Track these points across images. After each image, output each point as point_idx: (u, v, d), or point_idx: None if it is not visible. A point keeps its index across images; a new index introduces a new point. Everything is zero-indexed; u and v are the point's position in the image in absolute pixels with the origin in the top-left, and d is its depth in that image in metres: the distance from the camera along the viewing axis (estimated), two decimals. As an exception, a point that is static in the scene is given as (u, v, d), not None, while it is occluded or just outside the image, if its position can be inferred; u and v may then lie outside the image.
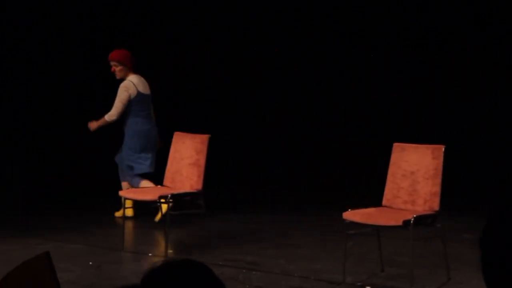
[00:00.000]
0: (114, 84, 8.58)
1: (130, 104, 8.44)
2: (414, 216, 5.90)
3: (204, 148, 7.45)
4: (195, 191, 7.39)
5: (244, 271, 6.60)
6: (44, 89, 10.68)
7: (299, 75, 11.57)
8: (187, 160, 7.53)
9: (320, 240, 7.73)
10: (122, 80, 8.52)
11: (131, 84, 8.46)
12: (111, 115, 8.44)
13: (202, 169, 7.41)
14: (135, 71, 8.52)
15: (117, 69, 8.45)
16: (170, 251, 7.20)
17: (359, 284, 6.19)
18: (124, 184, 8.59)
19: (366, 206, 6.29)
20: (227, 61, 11.75)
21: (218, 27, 11.64)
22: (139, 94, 8.46)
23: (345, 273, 6.20)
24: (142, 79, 8.58)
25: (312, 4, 11.41)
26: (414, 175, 6.25)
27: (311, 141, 11.33)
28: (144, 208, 8.25)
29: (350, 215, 6.17)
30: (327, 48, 11.36)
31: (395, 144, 6.47)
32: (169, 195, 7.19)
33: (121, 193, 7.59)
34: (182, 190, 7.42)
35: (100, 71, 10.42)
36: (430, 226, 6.13)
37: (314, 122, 11.42)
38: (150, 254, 7.24)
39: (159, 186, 7.72)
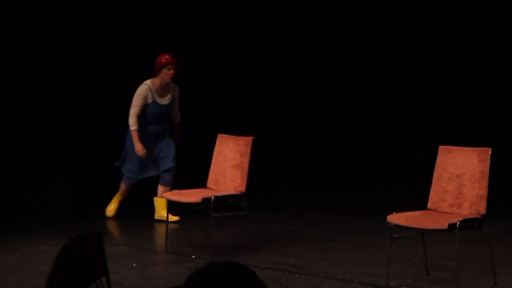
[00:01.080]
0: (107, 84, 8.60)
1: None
2: (460, 219, 5.82)
3: (247, 150, 7.45)
4: (238, 193, 7.39)
5: (287, 273, 6.58)
6: (38, 91, 10.71)
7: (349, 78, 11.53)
8: (230, 162, 7.54)
9: (364, 243, 7.67)
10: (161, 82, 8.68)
11: None
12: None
13: (245, 171, 7.41)
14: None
15: (175, 72, 8.55)
16: (213, 253, 7.20)
17: (403, 287, 6.13)
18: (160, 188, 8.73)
19: (411, 209, 6.23)
20: (268, 62, 11.75)
21: (221, 27, 11.63)
22: None
23: (389, 277, 6.14)
24: None
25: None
26: (460, 178, 6.18)
27: (357, 145, 11.28)
28: (188, 211, 8.26)
29: (395, 218, 6.11)
30: (338, 48, 11.30)
31: (441, 147, 6.40)
32: (213, 197, 7.20)
33: (165, 195, 7.60)
34: (225, 192, 7.43)
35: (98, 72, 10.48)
36: (476, 229, 6.04)
37: (355, 125, 11.37)
38: (193, 256, 7.26)
39: (203, 188, 7.74)
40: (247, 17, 11.60)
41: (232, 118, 11.20)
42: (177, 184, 7.78)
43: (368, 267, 6.76)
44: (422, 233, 6.27)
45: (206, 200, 7.22)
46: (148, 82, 8.56)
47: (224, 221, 7.82)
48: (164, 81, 8.53)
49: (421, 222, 5.98)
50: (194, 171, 8.32)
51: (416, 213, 6.17)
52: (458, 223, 5.78)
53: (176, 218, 8.51)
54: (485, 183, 6.05)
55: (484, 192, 6.04)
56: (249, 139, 7.52)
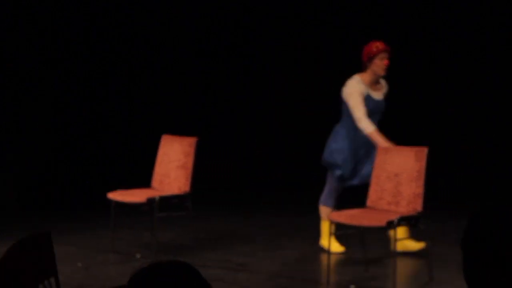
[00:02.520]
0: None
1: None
2: (398, 217, 6.00)
3: (192, 151, 7.52)
4: (183, 193, 7.46)
5: (231, 272, 6.66)
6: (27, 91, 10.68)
7: (281, 76, 11.65)
8: (175, 163, 7.60)
9: (307, 241, 7.79)
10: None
11: None
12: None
13: (189, 171, 7.48)
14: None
15: (388, 62, 6.99)
16: (158, 253, 7.26)
17: (343, 284, 6.28)
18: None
19: (350, 207, 6.38)
20: (213, 62, 11.81)
21: (202, 24, 11.68)
22: None
23: (329, 274, 6.28)
24: None
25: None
26: (398, 177, 6.36)
27: (299, 143, 11.39)
28: (133, 211, 8.29)
29: (335, 216, 6.26)
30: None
31: (379, 147, 6.57)
32: (157, 197, 7.26)
33: (109, 195, 7.62)
34: (170, 193, 7.49)
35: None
36: (413, 227, 6.23)
37: (298, 124, 11.48)
38: (138, 256, 7.30)
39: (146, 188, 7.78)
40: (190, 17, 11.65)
41: (177, 119, 11.22)
42: (122, 184, 7.80)
43: (311, 265, 6.89)
44: (362, 231, 6.42)
45: (150, 200, 7.28)
46: (356, 76, 7.04)
47: (169, 221, 7.86)
48: (377, 73, 6.97)
49: (360, 220, 6.14)
50: (138, 171, 8.35)
51: (356, 211, 6.33)
52: (396, 220, 5.96)
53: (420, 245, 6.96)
54: (421, 182, 6.24)
55: (421, 190, 6.23)
56: (193, 140, 7.59)
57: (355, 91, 6.92)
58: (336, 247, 7.00)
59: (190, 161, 7.49)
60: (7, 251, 2.76)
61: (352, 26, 11.06)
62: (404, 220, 6.08)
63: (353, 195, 7.03)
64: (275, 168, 11.33)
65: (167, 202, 7.43)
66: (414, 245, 6.88)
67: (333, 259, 6.37)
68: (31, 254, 2.89)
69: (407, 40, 10.76)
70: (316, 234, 7.72)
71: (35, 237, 2.89)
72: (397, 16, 10.73)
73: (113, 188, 7.60)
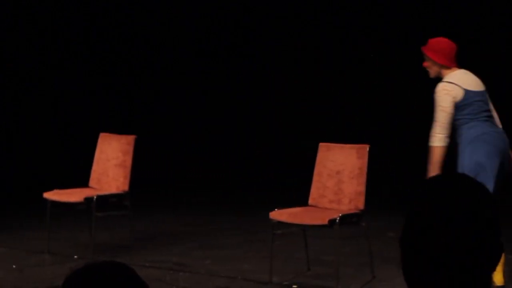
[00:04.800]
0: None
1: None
2: (340, 215, 5.97)
3: (130, 149, 7.40)
4: (121, 192, 7.34)
5: (170, 272, 6.58)
6: None
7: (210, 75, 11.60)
8: (113, 161, 7.47)
9: (247, 240, 7.75)
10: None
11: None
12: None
13: (128, 170, 7.36)
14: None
15: (425, 65, 6.16)
16: (95, 253, 7.13)
17: (285, 283, 6.23)
18: None
19: (292, 205, 6.34)
20: (152, 60, 11.70)
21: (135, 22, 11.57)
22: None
23: (271, 273, 6.23)
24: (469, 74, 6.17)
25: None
26: (340, 175, 6.33)
27: (235, 142, 11.36)
28: (70, 210, 8.14)
29: (277, 214, 6.20)
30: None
31: (321, 144, 6.54)
32: (95, 197, 7.12)
33: (45, 195, 7.45)
34: (108, 192, 7.36)
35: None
36: (355, 224, 6.21)
37: (237, 122, 11.45)
38: (75, 257, 7.16)
39: (84, 187, 7.64)
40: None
41: (115, 116, 11.10)
42: (58, 184, 7.64)
43: (251, 264, 6.83)
44: (304, 229, 6.38)
45: (88, 200, 7.14)
46: None
47: (107, 221, 7.73)
48: None
49: (302, 218, 6.09)
50: (75, 170, 8.20)
51: (298, 209, 6.29)
52: (338, 218, 5.92)
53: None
54: (363, 179, 6.22)
55: (362, 188, 6.21)
56: (131, 138, 7.47)
57: None
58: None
59: (128, 160, 7.37)
60: None
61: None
62: (346, 218, 6.05)
63: (295, 193, 6.99)
64: (214, 167, 11.27)
65: (105, 201, 7.30)
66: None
67: (275, 258, 6.32)
68: None
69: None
70: (254, 232, 7.67)
71: None
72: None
73: (49, 188, 7.44)
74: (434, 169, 5.81)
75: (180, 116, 11.69)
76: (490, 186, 5.61)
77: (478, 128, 5.95)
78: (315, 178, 6.44)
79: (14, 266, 6.80)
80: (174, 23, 11.45)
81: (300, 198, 6.56)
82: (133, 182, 7.36)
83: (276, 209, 6.27)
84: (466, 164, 5.82)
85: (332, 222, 5.91)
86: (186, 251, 7.34)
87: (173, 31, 11.49)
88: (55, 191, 7.43)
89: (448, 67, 6.03)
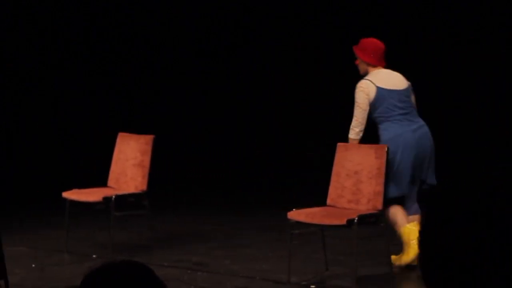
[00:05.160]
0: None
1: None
2: (358, 215, 5.96)
3: (148, 149, 7.42)
4: (139, 192, 7.36)
5: (189, 271, 6.59)
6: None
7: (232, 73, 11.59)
8: (131, 161, 7.49)
9: (265, 240, 7.75)
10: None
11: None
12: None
13: (146, 170, 7.38)
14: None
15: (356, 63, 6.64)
16: (114, 252, 7.15)
17: (304, 283, 6.23)
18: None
19: (311, 205, 6.33)
20: (172, 61, 11.72)
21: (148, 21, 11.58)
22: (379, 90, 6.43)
23: (290, 273, 6.23)
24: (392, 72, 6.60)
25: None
26: (358, 175, 6.31)
27: (257, 141, 11.35)
28: (89, 210, 8.17)
29: (295, 214, 6.20)
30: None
31: (339, 144, 6.52)
32: (113, 196, 7.15)
33: (64, 194, 7.48)
34: (126, 191, 7.38)
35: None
36: (373, 225, 6.19)
37: (258, 121, 11.45)
38: (94, 256, 7.19)
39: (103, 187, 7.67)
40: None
41: (134, 116, 11.13)
42: (77, 183, 7.67)
43: (270, 264, 6.83)
44: (322, 229, 6.37)
45: (106, 199, 7.16)
46: None
47: (126, 220, 7.76)
48: None
49: (320, 218, 6.09)
50: (94, 170, 8.23)
51: (316, 209, 6.28)
52: (356, 218, 5.91)
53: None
54: (381, 179, 6.20)
55: (381, 188, 6.20)
56: (150, 138, 7.49)
57: None
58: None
59: (147, 159, 7.39)
60: None
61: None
62: (364, 218, 6.03)
63: (313, 193, 6.98)
64: (232, 167, 11.28)
65: (124, 201, 7.33)
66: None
67: (293, 258, 6.31)
68: None
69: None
70: (273, 232, 7.67)
71: None
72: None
73: (68, 187, 7.47)
74: None
75: (200, 115, 11.70)
76: (405, 186, 6.28)
77: (391, 129, 6.37)
78: (333, 178, 6.43)
79: (33, 265, 6.84)
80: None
81: (318, 198, 6.55)
82: (151, 182, 7.37)
83: (294, 209, 6.27)
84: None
85: (350, 222, 5.90)
86: (205, 251, 7.35)
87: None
88: (74, 190, 7.46)
89: (374, 66, 6.45)
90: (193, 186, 10.86)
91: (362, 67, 6.53)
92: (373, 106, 6.40)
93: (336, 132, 8.90)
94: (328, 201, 6.41)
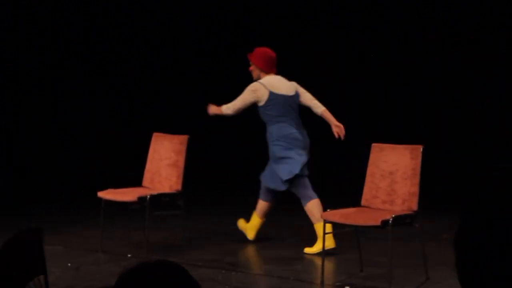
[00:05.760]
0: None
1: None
2: (393, 216, 5.92)
3: (183, 149, 7.45)
4: (174, 191, 7.39)
5: (223, 271, 6.60)
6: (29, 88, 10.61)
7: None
8: (166, 161, 7.52)
9: (299, 241, 7.73)
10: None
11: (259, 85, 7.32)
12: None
13: (181, 169, 7.40)
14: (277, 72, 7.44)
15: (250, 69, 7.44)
16: (149, 252, 7.18)
17: (338, 284, 6.21)
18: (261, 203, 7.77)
19: (345, 206, 6.30)
20: (207, 61, 11.75)
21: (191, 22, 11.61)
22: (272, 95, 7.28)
23: (324, 274, 6.21)
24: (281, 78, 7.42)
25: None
26: (393, 175, 6.28)
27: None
28: (124, 210, 8.22)
29: (329, 215, 6.18)
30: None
31: (374, 145, 6.49)
32: (148, 196, 7.18)
33: (99, 194, 7.53)
34: (161, 191, 7.41)
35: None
36: (408, 226, 6.15)
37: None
38: (129, 255, 7.22)
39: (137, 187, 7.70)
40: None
41: (168, 116, 11.17)
42: (112, 183, 7.72)
43: (304, 264, 6.82)
44: (356, 230, 6.35)
45: (141, 199, 7.19)
46: None
47: (160, 220, 7.80)
48: None
49: (355, 219, 6.06)
50: (129, 170, 8.28)
51: (350, 210, 6.25)
52: (391, 219, 5.88)
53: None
54: (417, 180, 6.16)
55: (416, 188, 6.15)
56: (184, 138, 7.52)
57: None
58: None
59: (181, 159, 7.41)
60: None
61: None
62: (399, 219, 6.00)
63: (347, 194, 6.96)
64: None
65: (158, 201, 7.36)
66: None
67: (327, 258, 6.30)
68: (20, 251, 2.76)
69: (406, 39, 10.71)
70: (308, 233, 7.65)
71: (25, 234, 2.76)
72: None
73: (104, 187, 7.52)
74: (215, 110, 7.42)
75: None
76: (296, 170, 7.20)
77: (286, 128, 7.24)
78: (368, 178, 6.40)
79: (69, 265, 6.88)
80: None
81: (353, 199, 6.53)
82: (186, 182, 7.40)
83: (328, 210, 6.25)
84: (276, 156, 7.31)
85: (385, 223, 5.86)
86: (239, 251, 7.36)
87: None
88: (109, 190, 7.51)
89: (266, 72, 7.29)
90: (227, 186, 10.88)
91: (256, 73, 7.33)
92: (264, 108, 7.28)
93: (372, 132, 8.88)
94: (363, 202, 6.38)
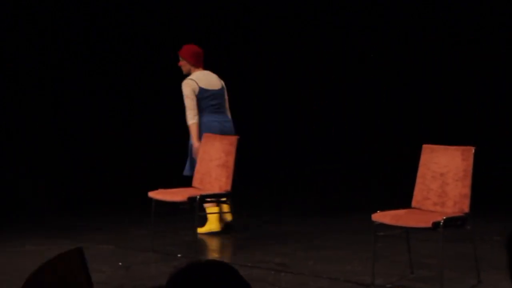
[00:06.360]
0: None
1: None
2: (444, 218, 5.86)
3: (233, 150, 7.47)
4: (223, 192, 7.41)
5: (272, 272, 6.60)
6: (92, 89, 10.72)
7: (326, 75, 11.55)
8: (215, 162, 7.55)
9: (349, 242, 7.70)
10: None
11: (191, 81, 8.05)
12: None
13: (230, 170, 7.42)
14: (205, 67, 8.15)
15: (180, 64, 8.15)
16: (198, 252, 7.22)
17: (388, 286, 6.17)
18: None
19: (395, 207, 6.26)
20: (259, 62, 11.77)
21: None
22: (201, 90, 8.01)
23: (374, 275, 6.17)
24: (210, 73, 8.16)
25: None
26: (444, 177, 6.21)
27: (339, 143, 11.31)
28: (174, 210, 8.28)
29: (380, 216, 6.14)
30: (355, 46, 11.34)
31: (425, 146, 6.43)
32: (198, 196, 7.22)
33: (150, 194, 7.60)
34: (210, 191, 7.44)
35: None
36: (460, 228, 6.09)
37: (342, 124, 11.40)
38: (179, 255, 7.27)
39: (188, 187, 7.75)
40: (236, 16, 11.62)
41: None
42: (163, 183, 7.78)
43: (354, 266, 6.79)
44: (407, 232, 6.30)
45: (191, 199, 7.23)
46: None
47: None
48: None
49: (405, 221, 6.01)
50: (179, 170, 8.33)
51: (401, 211, 6.20)
52: (442, 221, 5.82)
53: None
54: (468, 182, 6.09)
55: (467, 190, 6.08)
56: (234, 138, 7.54)
57: None
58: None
59: (231, 160, 7.44)
60: (35, 271, 2.57)
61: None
62: (450, 221, 5.93)
63: (398, 195, 6.91)
64: (314, 168, 11.26)
65: (208, 201, 7.38)
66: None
67: (377, 260, 6.25)
68: (60, 276, 2.65)
69: (461, 39, 10.61)
70: (357, 234, 7.62)
71: (65, 257, 2.65)
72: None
73: (154, 187, 7.58)
74: (195, 141, 7.88)
75: (283, 116, 11.70)
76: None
77: (207, 117, 7.98)
78: (419, 180, 6.34)
79: (120, 264, 6.95)
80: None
81: (403, 200, 6.48)
82: (236, 183, 7.42)
83: (378, 211, 6.21)
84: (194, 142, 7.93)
85: (436, 225, 5.81)
86: (289, 252, 7.35)
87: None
88: (160, 190, 7.57)
89: (196, 67, 8.07)
90: (276, 187, 10.88)
91: (186, 68, 8.08)
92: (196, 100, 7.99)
93: (422, 133, 8.82)
94: (413, 203, 6.32)
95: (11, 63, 10.36)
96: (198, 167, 7.73)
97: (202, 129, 7.96)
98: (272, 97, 11.80)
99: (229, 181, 7.40)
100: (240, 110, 11.14)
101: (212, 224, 8.05)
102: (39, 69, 10.69)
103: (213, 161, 7.58)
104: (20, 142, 10.21)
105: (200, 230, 7.88)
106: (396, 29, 11.11)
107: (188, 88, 7.97)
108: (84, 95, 11.01)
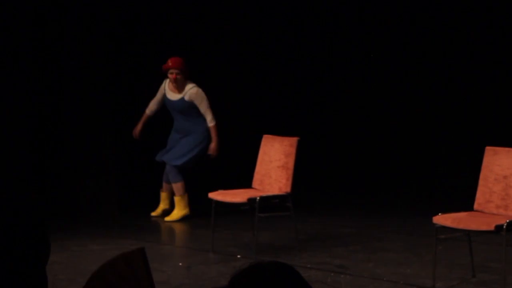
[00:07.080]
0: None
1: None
2: (507, 221, 5.77)
3: (293, 151, 7.47)
4: (283, 193, 7.42)
5: (332, 274, 6.59)
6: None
7: (385, 77, 11.48)
8: (275, 163, 7.56)
9: (409, 244, 7.64)
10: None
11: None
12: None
13: (290, 171, 7.42)
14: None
15: (176, 76, 8.81)
16: (258, 253, 7.24)
17: (449, 289, 6.10)
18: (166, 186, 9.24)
19: (457, 210, 6.19)
20: (316, 62, 11.75)
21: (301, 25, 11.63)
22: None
23: (435, 278, 6.12)
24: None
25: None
26: (507, 179, 6.12)
27: (399, 144, 11.21)
28: (234, 211, 8.32)
29: (441, 219, 6.08)
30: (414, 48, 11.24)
31: (487, 148, 6.35)
32: (258, 198, 7.23)
33: (210, 195, 7.64)
34: (270, 193, 7.46)
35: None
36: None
37: (402, 125, 11.31)
38: (238, 256, 7.30)
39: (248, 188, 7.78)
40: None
41: (278, 118, 11.21)
42: (223, 184, 7.82)
43: (414, 268, 6.73)
44: (469, 234, 6.22)
45: (251, 200, 7.26)
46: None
47: (270, 221, 7.84)
48: (171, 82, 8.89)
49: (467, 223, 5.94)
50: (239, 171, 8.37)
51: (462, 214, 6.13)
52: (505, 224, 5.73)
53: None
54: (532, 185, 5.99)
55: (531, 193, 5.98)
56: (294, 140, 7.54)
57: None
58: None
59: (291, 161, 7.44)
60: (97, 270, 2.61)
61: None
62: (513, 224, 5.84)
63: (459, 198, 6.84)
64: (375, 169, 11.19)
65: (268, 202, 7.40)
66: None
67: (438, 263, 6.19)
68: (123, 275, 2.67)
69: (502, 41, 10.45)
70: (418, 237, 7.55)
71: (127, 257, 2.67)
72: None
73: (214, 188, 7.62)
74: (216, 138, 8.89)
75: (343, 117, 11.66)
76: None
77: (203, 123, 8.87)
78: (481, 182, 6.26)
79: (180, 264, 7.01)
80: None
81: (465, 203, 6.40)
82: (295, 184, 7.41)
83: (439, 214, 6.14)
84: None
85: (499, 228, 5.73)
86: (348, 254, 7.32)
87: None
88: (220, 191, 7.61)
89: (188, 78, 8.86)
90: (336, 188, 10.84)
91: (181, 79, 8.76)
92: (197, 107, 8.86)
93: (484, 135, 8.70)
94: (475, 206, 6.24)
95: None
96: (258, 168, 7.75)
97: (202, 131, 8.93)
98: (335, 98, 11.77)
99: (289, 183, 7.40)
100: (303, 110, 11.14)
101: (183, 209, 8.89)
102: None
103: (272, 163, 7.59)
104: (91, 143, 10.33)
105: (170, 217, 8.86)
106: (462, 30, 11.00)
107: (204, 94, 8.81)
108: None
